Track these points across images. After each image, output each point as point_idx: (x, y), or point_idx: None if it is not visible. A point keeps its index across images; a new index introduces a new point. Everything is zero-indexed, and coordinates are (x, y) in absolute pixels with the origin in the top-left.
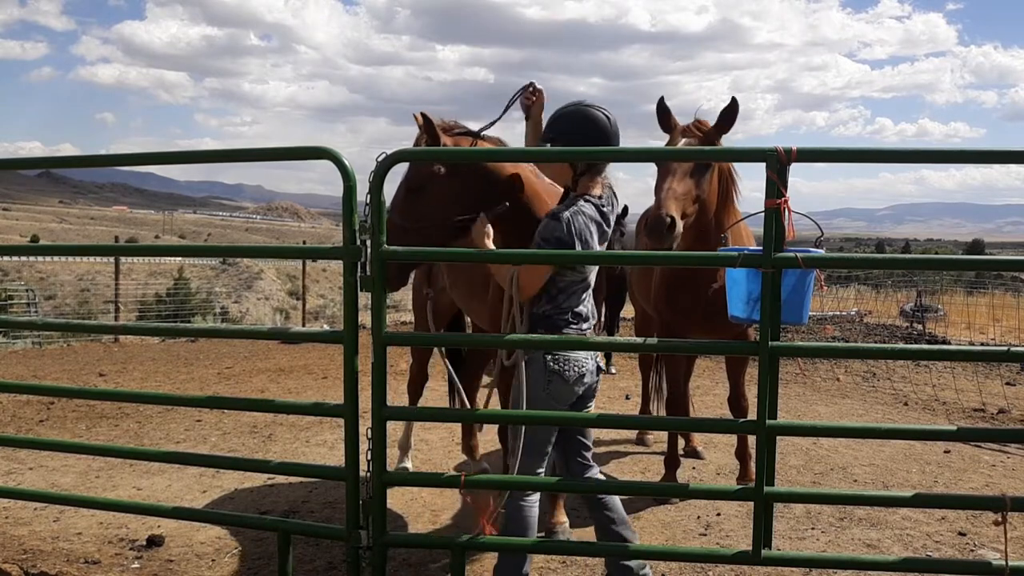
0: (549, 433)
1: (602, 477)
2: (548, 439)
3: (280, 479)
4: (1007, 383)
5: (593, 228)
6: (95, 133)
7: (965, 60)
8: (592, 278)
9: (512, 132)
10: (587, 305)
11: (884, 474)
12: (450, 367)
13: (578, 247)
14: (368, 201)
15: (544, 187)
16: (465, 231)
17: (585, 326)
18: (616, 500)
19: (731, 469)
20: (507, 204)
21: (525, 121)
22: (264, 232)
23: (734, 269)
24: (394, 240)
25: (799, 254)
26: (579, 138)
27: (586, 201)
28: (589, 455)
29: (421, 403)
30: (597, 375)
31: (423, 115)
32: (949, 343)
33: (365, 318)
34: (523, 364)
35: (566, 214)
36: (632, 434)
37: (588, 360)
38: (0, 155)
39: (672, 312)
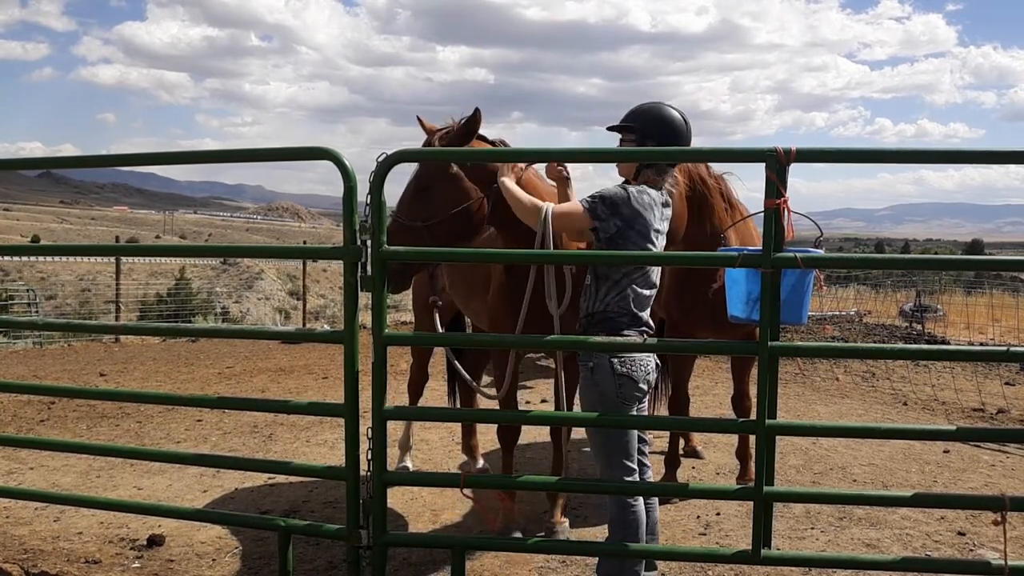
0: (632, 438)
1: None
2: (633, 444)
3: (280, 479)
4: (1006, 383)
5: (657, 212)
6: (96, 133)
7: (965, 61)
8: (655, 277)
9: (512, 132)
10: (648, 308)
11: (883, 474)
12: (460, 368)
13: (637, 223)
14: (368, 201)
15: (547, 188)
16: (472, 232)
17: (645, 329)
18: (655, 506)
19: (731, 469)
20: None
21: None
22: (265, 232)
23: (734, 269)
24: (401, 240)
25: (798, 254)
26: (656, 133)
27: (651, 187)
28: (647, 451)
29: (421, 403)
30: (656, 372)
31: (477, 110)
32: (948, 343)
33: (365, 318)
34: (589, 371)
35: (632, 188)
36: None
37: (649, 358)
38: (1, 155)
39: (681, 313)
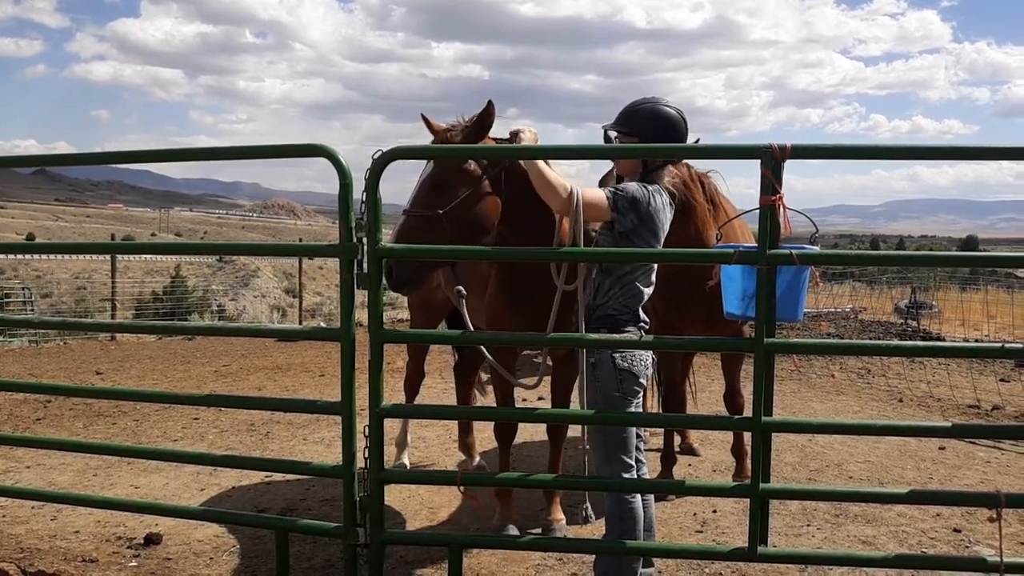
0: (631, 434)
1: (648, 474)
2: (632, 440)
3: (278, 477)
4: (1001, 379)
5: (668, 214)
6: (90, 131)
7: (959, 57)
8: (654, 276)
9: (508, 129)
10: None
11: (879, 471)
12: (494, 361)
13: (652, 222)
14: (364, 198)
15: None
16: (487, 222)
17: (644, 326)
18: (651, 503)
19: (727, 466)
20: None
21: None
22: (260, 230)
23: (730, 266)
24: (417, 236)
25: (794, 251)
26: (652, 134)
27: (663, 189)
28: (643, 447)
29: (418, 400)
30: (653, 368)
31: (490, 103)
32: (944, 339)
33: (362, 316)
34: (591, 367)
35: (651, 187)
36: None
37: (648, 354)
38: None
39: (667, 310)
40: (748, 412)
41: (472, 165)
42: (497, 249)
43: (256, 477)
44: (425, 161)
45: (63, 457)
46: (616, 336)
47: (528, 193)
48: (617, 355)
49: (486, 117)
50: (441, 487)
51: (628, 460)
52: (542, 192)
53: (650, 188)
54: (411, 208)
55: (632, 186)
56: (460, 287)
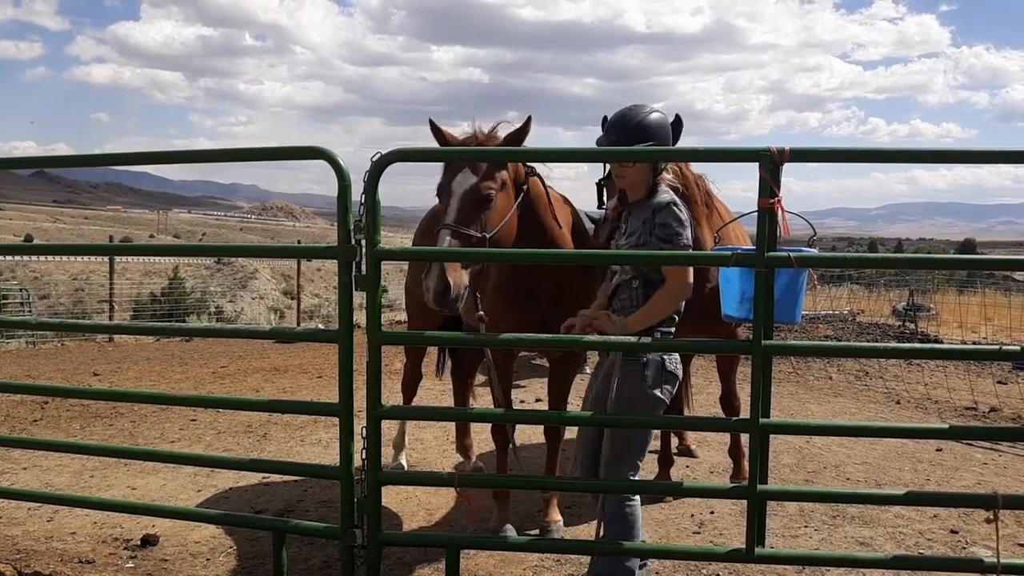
0: (651, 437)
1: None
2: (648, 444)
3: (275, 478)
4: (999, 381)
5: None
6: (90, 133)
7: (958, 61)
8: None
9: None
10: None
11: (877, 472)
12: (497, 390)
13: (688, 232)
14: (363, 201)
15: (554, 195)
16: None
17: (667, 332)
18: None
19: (724, 467)
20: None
21: None
22: (259, 232)
23: (728, 268)
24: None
25: (792, 253)
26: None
27: (671, 189)
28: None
29: (416, 402)
30: None
31: (529, 118)
32: (941, 342)
33: (360, 317)
34: (641, 367)
35: (677, 199)
36: None
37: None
38: None
39: None
40: (745, 414)
41: (507, 179)
42: (496, 251)
43: (253, 478)
44: (442, 168)
45: (60, 458)
46: (612, 338)
47: (538, 208)
48: (667, 358)
49: (523, 132)
50: (438, 488)
51: (639, 462)
52: (666, 313)
53: (678, 202)
54: (456, 221)
55: (674, 213)
56: (481, 312)
